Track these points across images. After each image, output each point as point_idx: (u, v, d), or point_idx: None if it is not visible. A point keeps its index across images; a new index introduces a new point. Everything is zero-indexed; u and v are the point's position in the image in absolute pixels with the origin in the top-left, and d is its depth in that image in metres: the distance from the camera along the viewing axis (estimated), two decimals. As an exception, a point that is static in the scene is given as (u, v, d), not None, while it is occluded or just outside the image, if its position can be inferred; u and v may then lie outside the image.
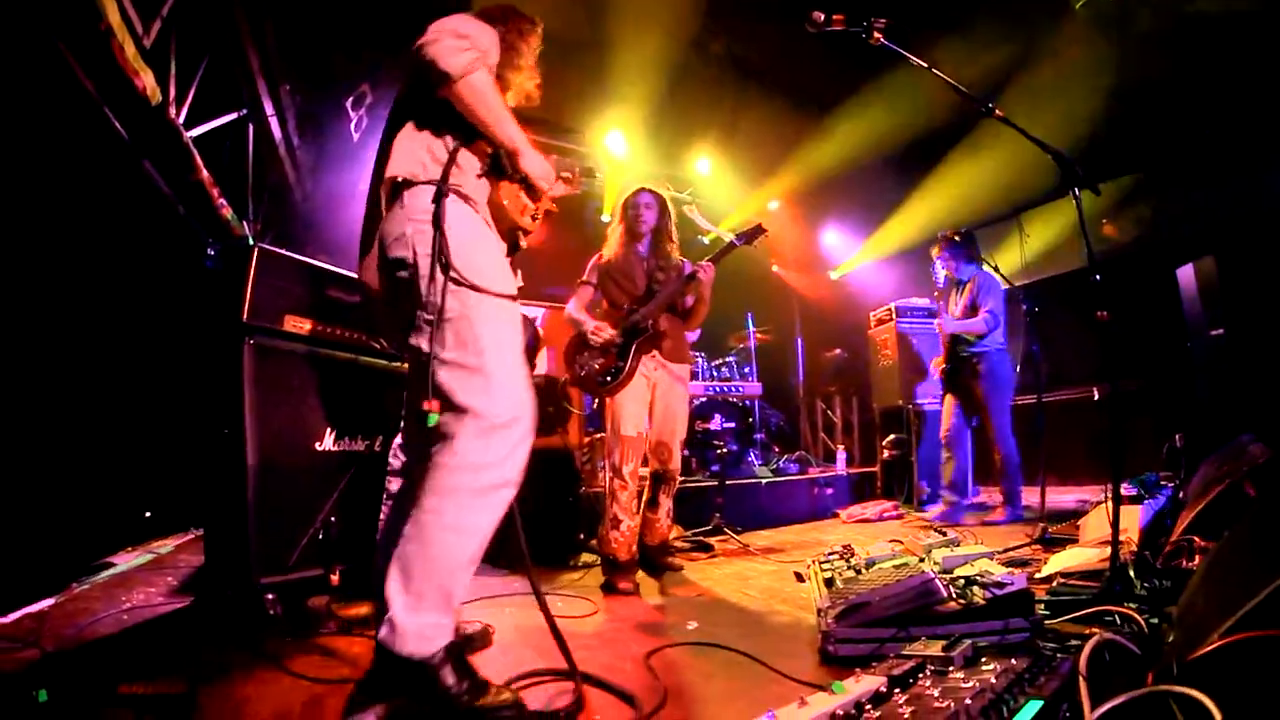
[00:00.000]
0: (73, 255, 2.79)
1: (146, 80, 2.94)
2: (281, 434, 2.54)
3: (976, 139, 6.09)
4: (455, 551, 1.59)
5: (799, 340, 7.67)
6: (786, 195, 7.76)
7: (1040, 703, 1.09)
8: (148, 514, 3.26)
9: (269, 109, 4.03)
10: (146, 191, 3.32)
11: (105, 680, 1.75)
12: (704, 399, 5.70)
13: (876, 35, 2.50)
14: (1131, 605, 2.11)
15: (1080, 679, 1.17)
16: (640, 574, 3.31)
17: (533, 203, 1.98)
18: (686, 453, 5.45)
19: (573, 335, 3.37)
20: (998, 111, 2.55)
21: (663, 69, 6.04)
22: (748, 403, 6.00)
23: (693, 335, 3.89)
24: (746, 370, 6.45)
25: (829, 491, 5.33)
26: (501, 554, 3.39)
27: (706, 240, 6.56)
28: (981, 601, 2.03)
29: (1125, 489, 3.12)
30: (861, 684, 1.48)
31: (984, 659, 1.68)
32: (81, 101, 2.75)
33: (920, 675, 1.49)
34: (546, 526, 3.81)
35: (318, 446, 2.68)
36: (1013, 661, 1.43)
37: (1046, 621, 2.14)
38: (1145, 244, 5.78)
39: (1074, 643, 1.80)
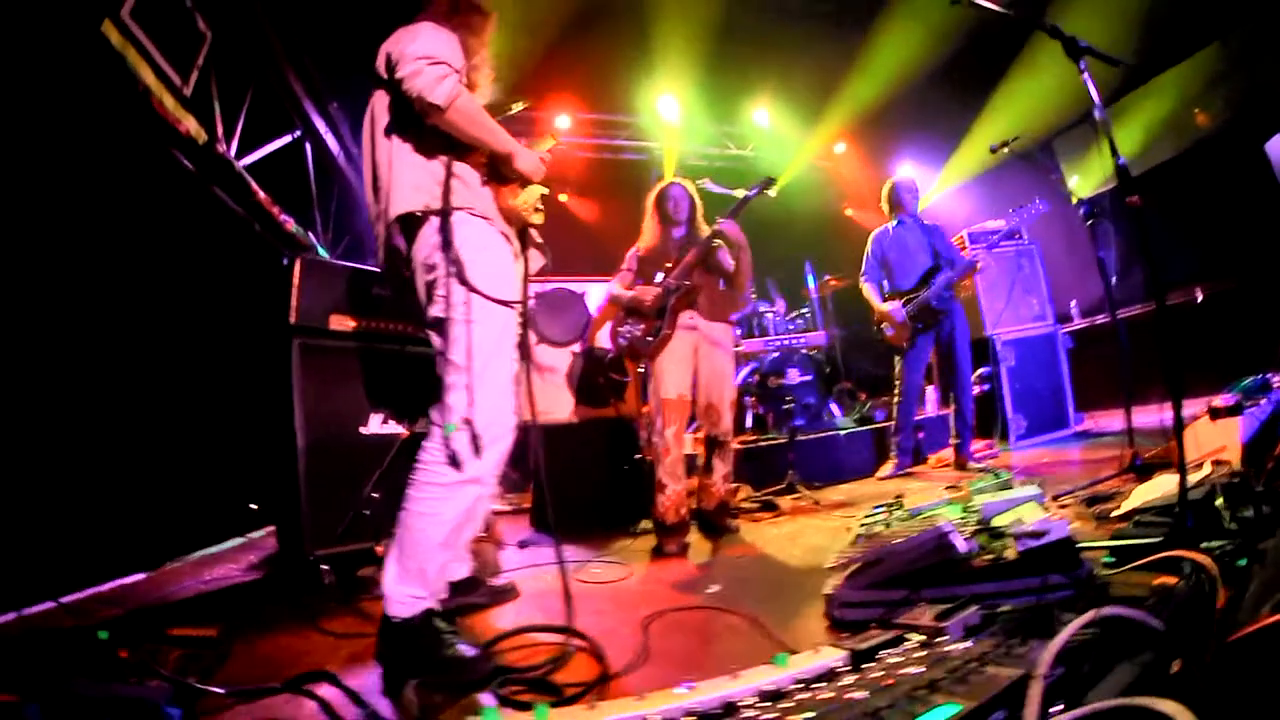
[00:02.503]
0: (173, 276, 3.05)
1: (189, 125, 3.15)
2: (330, 420, 2.74)
3: (1036, 41, 5.25)
4: (426, 536, 1.72)
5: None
6: (850, 136, 7.16)
7: (956, 708, 0.85)
8: (253, 506, 3.50)
9: (322, 127, 4.16)
10: (225, 217, 3.58)
11: (160, 626, 1.95)
12: (777, 354, 5.37)
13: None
14: (1216, 544, 1.71)
15: (1035, 682, 0.90)
16: (697, 536, 3.22)
17: (528, 191, 2.07)
18: (762, 410, 5.22)
19: (616, 312, 3.35)
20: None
21: (706, 26, 5.67)
22: (820, 354, 5.60)
23: (745, 306, 3.64)
24: (822, 318, 6.05)
25: (920, 435, 4.88)
26: (561, 524, 3.49)
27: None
28: (1013, 555, 1.72)
29: (1224, 399, 2.58)
30: (819, 658, 1.29)
31: (994, 628, 1.43)
32: (151, 144, 2.98)
33: (887, 650, 1.26)
34: (605, 495, 3.77)
35: (363, 430, 2.86)
36: (998, 640, 1.17)
37: (1111, 571, 1.79)
38: (1238, 125, 4.75)
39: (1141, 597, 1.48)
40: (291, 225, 4.08)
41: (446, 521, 1.72)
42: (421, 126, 1.83)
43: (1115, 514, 2.34)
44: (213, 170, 3.35)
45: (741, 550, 2.94)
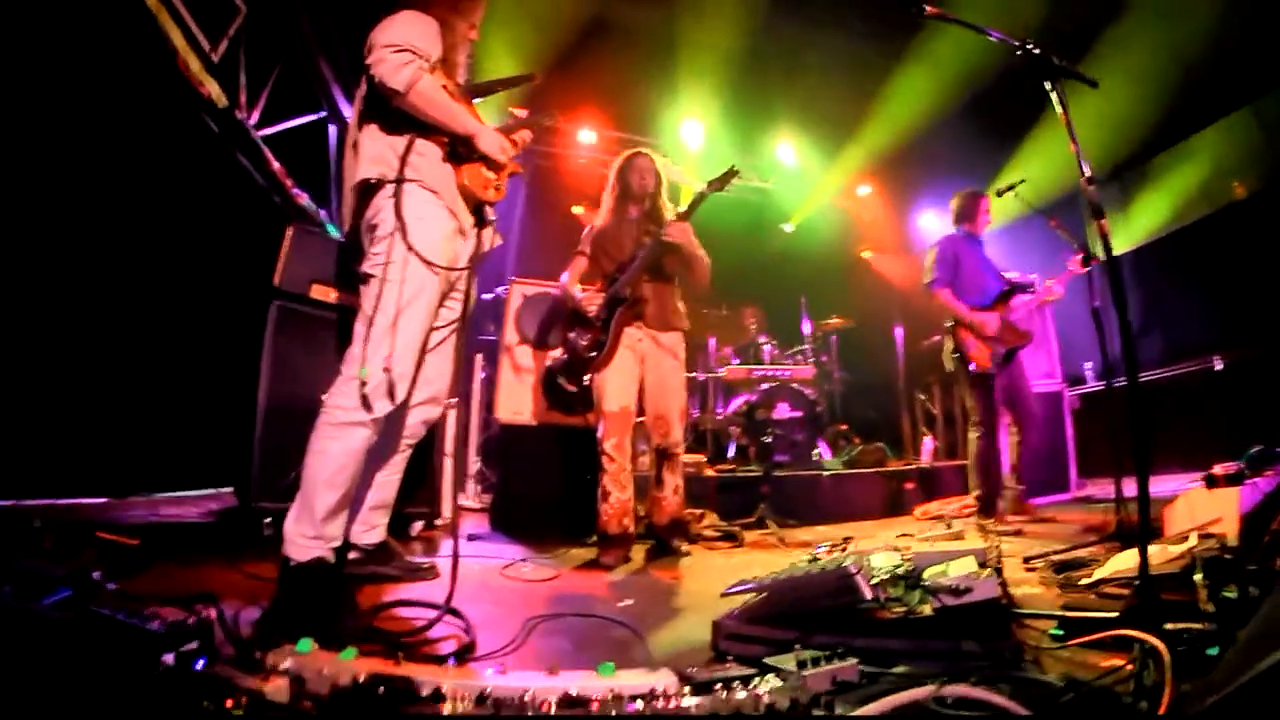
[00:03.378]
0: (181, 226, 3.09)
1: (211, 89, 3.25)
2: (295, 384, 2.76)
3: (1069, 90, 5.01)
4: (313, 473, 1.88)
5: (898, 329, 6.80)
6: (874, 178, 7.00)
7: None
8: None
9: (347, 112, 4.18)
10: (240, 179, 3.63)
11: (91, 530, 2.05)
12: (769, 385, 5.16)
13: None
14: (1183, 626, 1.47)
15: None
16: (642, 553, 3.08)
17: (496, 174, 2.19)
18: (745, 442, 5.00)
19: (564, 309, 3.23)
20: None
21: (734, 55, 5.60)
22: (814, 392, 5.36)
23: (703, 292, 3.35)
24: (824, 359, 5.82)
25: (909, 486, 4.61)
26: (519, 526, 3.54)
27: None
28: (928, 611, 1.50)
29: (1223, 467, 2.36)
30: (649, 678, 1.11)
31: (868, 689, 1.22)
32: (172, 101, 3.06)
33: (731, 687, 1.07)
34: (565, 502, 3.64)
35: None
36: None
37: (1054, 645, 1.55)
38: (1271, 192, 4.43)
39: (1051, 682, 1.25)
40: (304, 199, 4.08)
41: (333, 458, 1.87)
42: (388, 107, 1.97)
43: (1084, 582, 2.10)
44: (229, 134, 3.41)
45: (676, 573, 2.77)
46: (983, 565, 1.72)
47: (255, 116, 3.78)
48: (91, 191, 2.51)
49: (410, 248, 1.91)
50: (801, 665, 1.22)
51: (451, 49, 2.16)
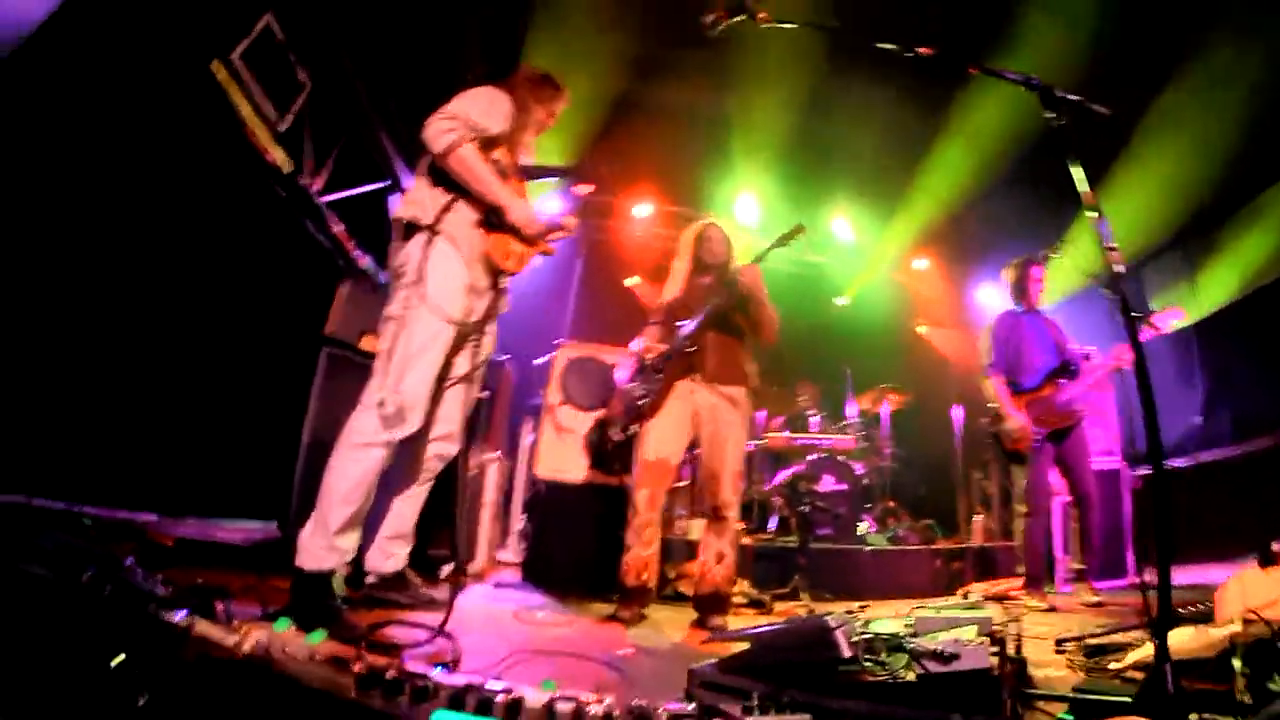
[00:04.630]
0: (251, 282, 3.36)
1: (277, 155, 3.55)
2: (337, 425, 2.76)
3: (1129, 157, 4.81)
4: (331, 486, 2.01)
5: (956, 407, 6.50)
6: (931, 251, 6.87)
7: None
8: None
9: (408, 182, 4.54)
10: (310, 243, 3.95)
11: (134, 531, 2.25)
12: (815, 457, 5.01)
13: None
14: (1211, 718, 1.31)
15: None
16: (669, 614, 2.98)
17: (524, 247, 2.33)
18: (787, 514, 4.82)
19: (628, 365, 3.22)
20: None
21: (788, 132, 5.77)
22: (858, 465, 5.16)
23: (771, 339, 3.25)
24: (874, 433, 5.62)
25: (955, 565, 4.31)
26: (550, 580, 3.56)
27: None
28: (911, 677, 1.39)
29: None
30: (591, 698, 1.07)
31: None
32: (240, 168, 3.38)
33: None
34: (596, 559, 3.54)
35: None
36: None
37: None
38: None
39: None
40: (365, 261, 4.39)
41: (349, 476, 2.01)
42: (437, 167, 2.18)
43: (1113, 666, 1.89)
44: (294, 198, 3.73)
45: (685, 629, 2.70)
46: (988, 637, 1.59)
47: (320, 183, 4.10)
48: (169, 247, 2.79)
49: (425, 299, 2.08)
50: (748, 711, 1.15)
51: (522, 128, 2.38)
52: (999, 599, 3.62)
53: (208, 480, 2.96)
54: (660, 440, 2.87)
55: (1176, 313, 3.43)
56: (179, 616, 1.02)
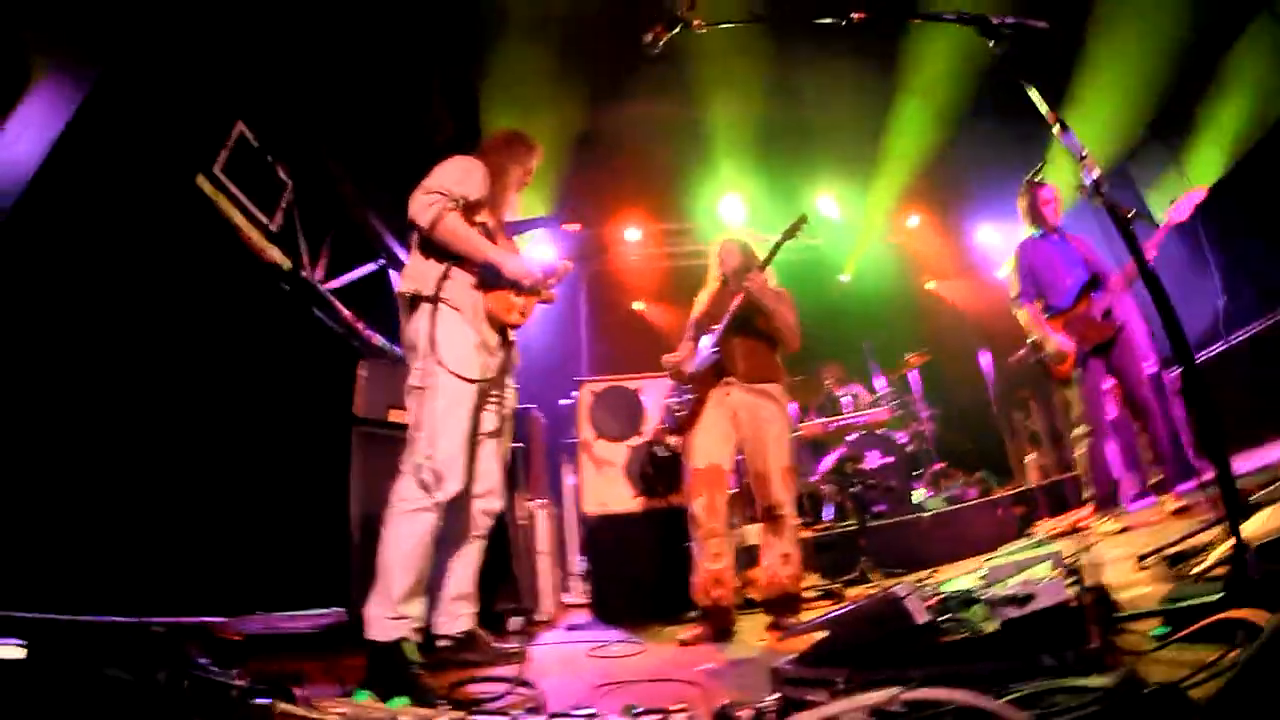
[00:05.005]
0: (277, 376, 3.43)
1: (274, 254, 3.67)
2: (382, 494, 2.78)
3: (1091, 56, 4.73)
4: (387, 556, 2.07)
5: (982, 353, 6.39)
6: (921, 206, 6.80)
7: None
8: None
9: (404, 256, 4.64)
10: (323, 331, 4.06)
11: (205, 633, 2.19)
12: (856, 436, 4.96)
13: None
14: None
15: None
16: (748, 624, 2.91)
17: (525, 298, 2.41)
18: (839, 499, 4.76)
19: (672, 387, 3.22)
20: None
21: (758, 124, 5.82)
22: (899, 434, 5.09)
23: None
24: (907, 399, 5.54)
25: (1018, 511, 4.20)
26: (615, 612, 3.58)
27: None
28: (990, 628, 1.36)
29: None
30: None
31: None
32: (241, 270, 3.49)
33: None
34: (657, 583, 3.59)
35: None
36: None
37: (1159, 646, 1.35)
38: None
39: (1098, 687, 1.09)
40: (378, 339, 4.49)
41: (403, 541, 2.06)
42: (427, 239, 2.29)
43: (1197, 570, 1.81)
44: (299, 291, 3.87)
45: (762, 636, 2.66)
46: (1061, 569, 1.55)
47: (320, 273, 4.24)
48: (195, 359, 2.89)
49: (441, 363, 2.17)
50: (835, 696, 1.14)
51: (503, 190, 2.49)
52: (1069, 532, 3.52)
53: (267, 577, 2.97)
54: (706, 446, 2.87)
55: (1193, 196, 3.29)
56: (260, 703, 1.03)
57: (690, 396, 2.98)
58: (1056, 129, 1.68)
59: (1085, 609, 1.33)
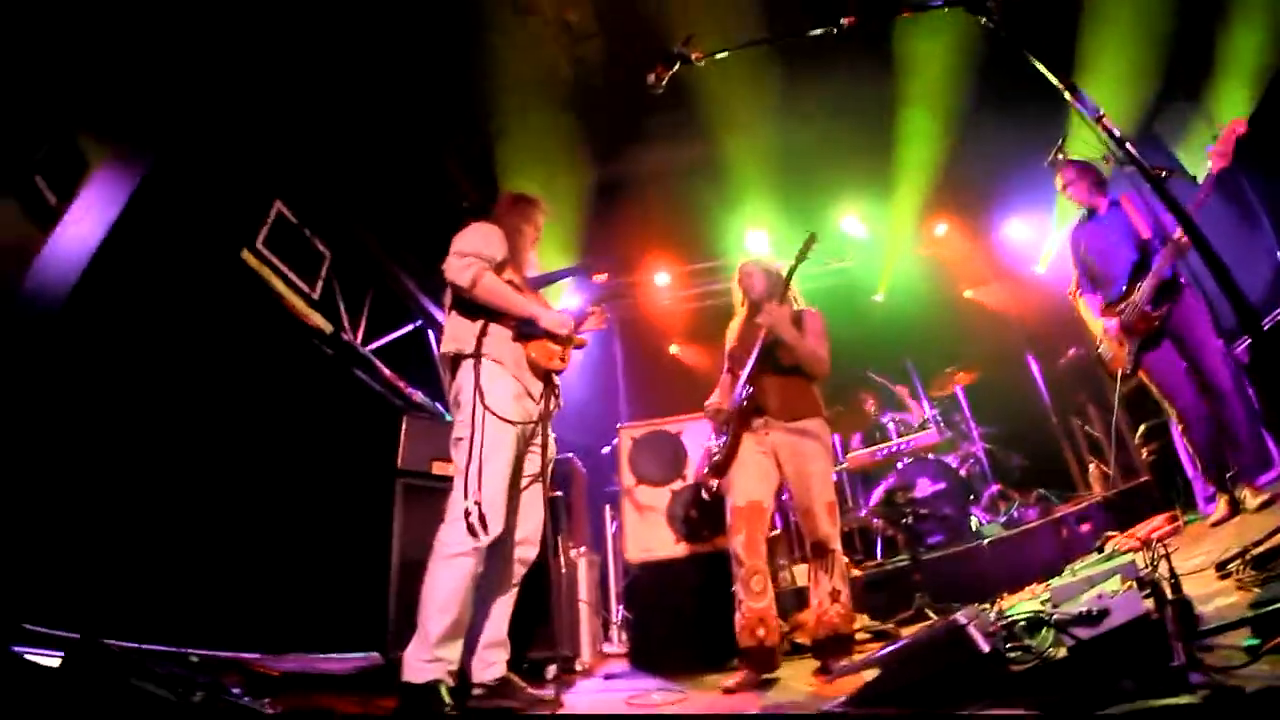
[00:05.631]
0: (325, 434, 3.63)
1: (317, 320, 3.90)
2: (424, 546, 2.72)
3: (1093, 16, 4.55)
4: (428, 599, 2.12)
5: (1030, 360, 6.10)
6: (947, 213, 6.58)
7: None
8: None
9: (440, 316, 4.76)
10: (366, 391, 4.23)
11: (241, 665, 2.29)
12: (905, 463, 4.76)
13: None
14: None
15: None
16: (796, 670, 2.76)
17: (562, 346, 2.53)
18: (890, 532, 4.53)
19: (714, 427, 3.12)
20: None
21: (775, 154, 5.82)
22: (950, 458, 4.86)
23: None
24: (956, 418, 5.30)
25: (1084, 528, 3.90)
26: (656, 661, 3.44)
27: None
28: (1061, 653, 1.23)
29: None
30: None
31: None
32: (294, 335, 3.71)
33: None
34: (702, 631, 3.40)
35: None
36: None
37: (1249, 660, 1.20)
38: None
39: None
40: (419, 397, 4.59)
41: (444, 585, 2.11)
42: (464, 300, 2.42)
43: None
44: (342, 354, 4.06)
45: (810, 681, 2.50)
46: (1135, 581, 1.41)
47: (360, 336, 4.44)
48: (246, 418, 3.08)
49: (488, 409, 2.25)
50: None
51: (519, 249, 2.64)
52: (1144, 543, 3.20)
53: (307, 619, 3.06)
54: (746, 485, 2.77)
55: (1234, 128, 2.91)
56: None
57: (725, 438, 2.89)
58: (1068, 95, 1.61)
59: (1166, 621, 1.19)
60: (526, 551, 2.42)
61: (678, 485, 4.37)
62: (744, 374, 2.84)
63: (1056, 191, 3.53)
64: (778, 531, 4.52)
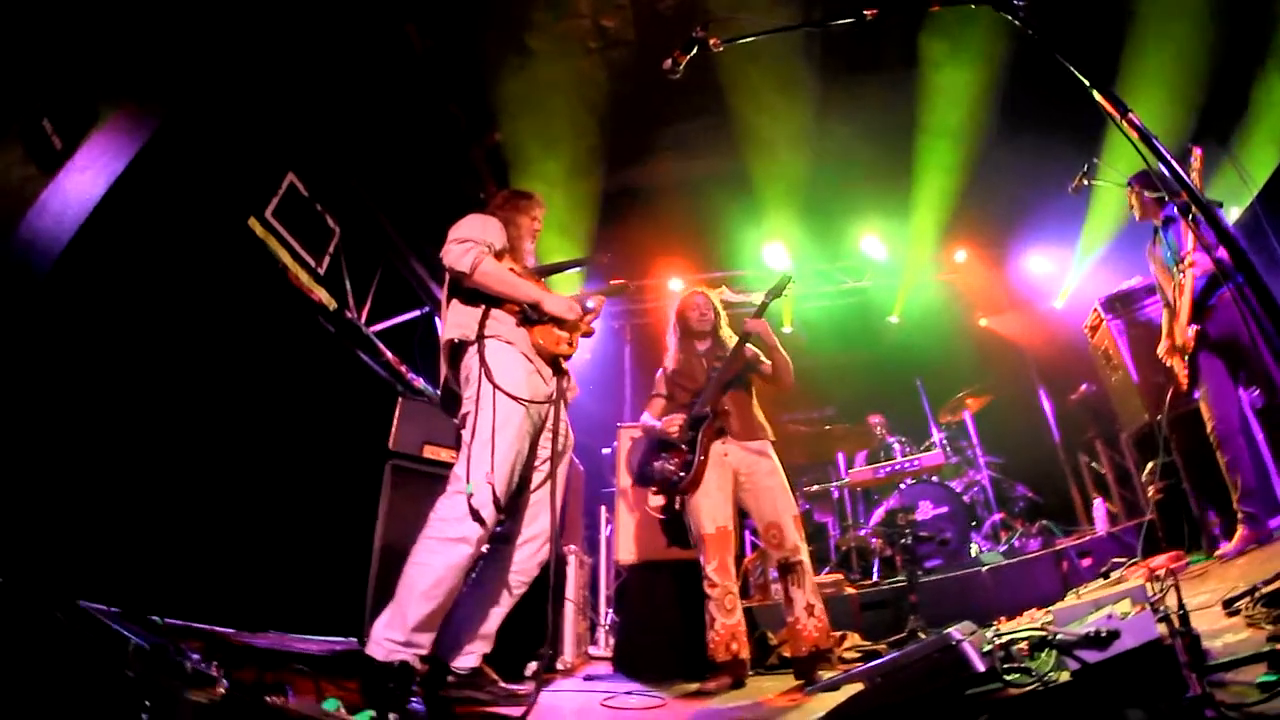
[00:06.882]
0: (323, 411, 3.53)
1: (321, 295, 3.78)
2: (407, 531, 2.69)
3: (1133, 52, 4.46)
4: (413, 581, 1.92)
5: (1041, 393, 5.96)
6: (968, 240, 6.47)
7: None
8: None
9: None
10: (366, 371, 4.14)
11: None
12: (908, 485, 4.63)
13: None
14: None
15: None
16: (774, 681, 2.75)
17: (568, 332, 2.42)
18: (889, 553, 4.40)
19: (643, 442, 3.20)
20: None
21: (800, 170, 5.72)
22: (954, 483, 4.72)
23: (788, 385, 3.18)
24: (964, 444, 5.17)
25: (1085, 562, 3.76)
26: (639, 666, 3.36)
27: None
28: (1064, 677, 1.12)
29: None
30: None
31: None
32: (289, 309, 3.60)
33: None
34: (686, 640, 3.28)
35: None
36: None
37: (1263, 697, 1.09)
38: None
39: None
40: (419, 382, 4.51)
41: (434, 570, 1.92)
42: (465, 285, 2.31)
43: None
44: (343, 332, 3.95)
45: (793, 696, 2.38)
46: (1146, 604, 1.29)
47: (364, 316, 4.33)
48: (239, 385, 2.96)
49: (495, 386, 2.13)
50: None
51: (518, 240, 2.56)
52: (1152, 574, 3.04)
53: (284, 598, 2.93)
54: (713, 510, 2.83)
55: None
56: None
57: (682, 459, 2.90)
58: (1099, 97, 1.52)
59: (1177, 651, 1.08)
60: (540, 552, 2.26)
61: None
62: (706, 394, 2.93)
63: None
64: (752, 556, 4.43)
